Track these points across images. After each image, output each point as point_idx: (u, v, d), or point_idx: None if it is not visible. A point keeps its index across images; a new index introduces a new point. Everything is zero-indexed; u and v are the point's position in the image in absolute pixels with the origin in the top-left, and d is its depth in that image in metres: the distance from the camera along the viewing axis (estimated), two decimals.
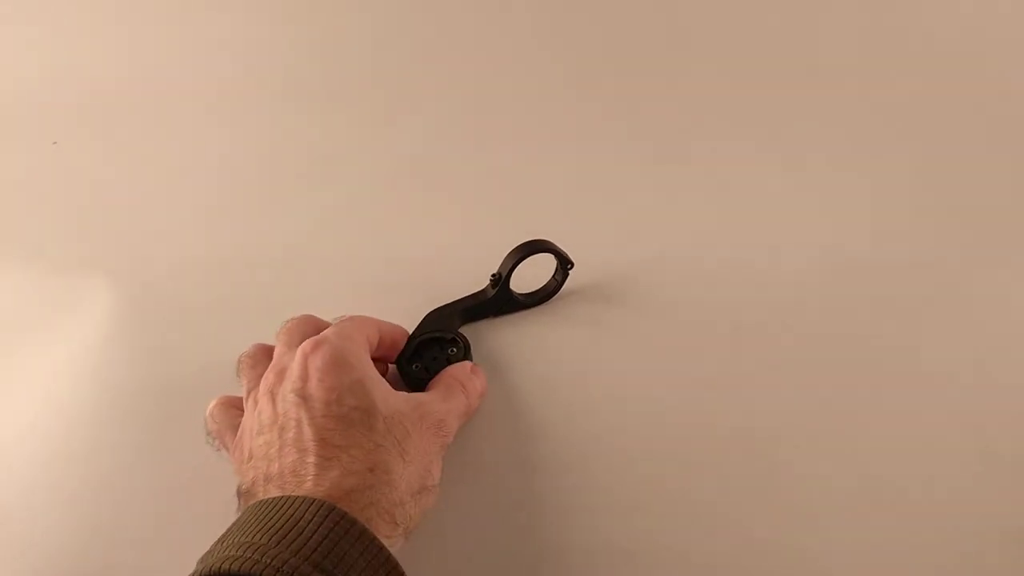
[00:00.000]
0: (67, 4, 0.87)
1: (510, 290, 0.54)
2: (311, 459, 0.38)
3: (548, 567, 0.42)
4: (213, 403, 0.47)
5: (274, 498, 0.35)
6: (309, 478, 0.37)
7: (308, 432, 0.39)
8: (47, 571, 0.42)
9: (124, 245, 0.66)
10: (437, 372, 0.49)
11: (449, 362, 0.50)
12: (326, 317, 0.50)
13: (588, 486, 0.45)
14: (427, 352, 0.51)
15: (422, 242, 0.65)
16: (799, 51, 0.82)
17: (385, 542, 0.34)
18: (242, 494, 0.39)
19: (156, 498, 0.46)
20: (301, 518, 0.33)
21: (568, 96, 0.81)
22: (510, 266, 0.53)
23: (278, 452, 0.39)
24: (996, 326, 0.55)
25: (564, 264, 0.55)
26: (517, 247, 0.53)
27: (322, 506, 0.34)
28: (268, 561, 0.31)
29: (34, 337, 0.58)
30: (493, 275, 0.54)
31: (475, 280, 0.56)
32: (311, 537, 0.32)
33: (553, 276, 0.56)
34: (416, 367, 0.50)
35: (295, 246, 0.65)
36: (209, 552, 0.34)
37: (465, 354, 0.51)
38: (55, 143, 0.79)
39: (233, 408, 0.46)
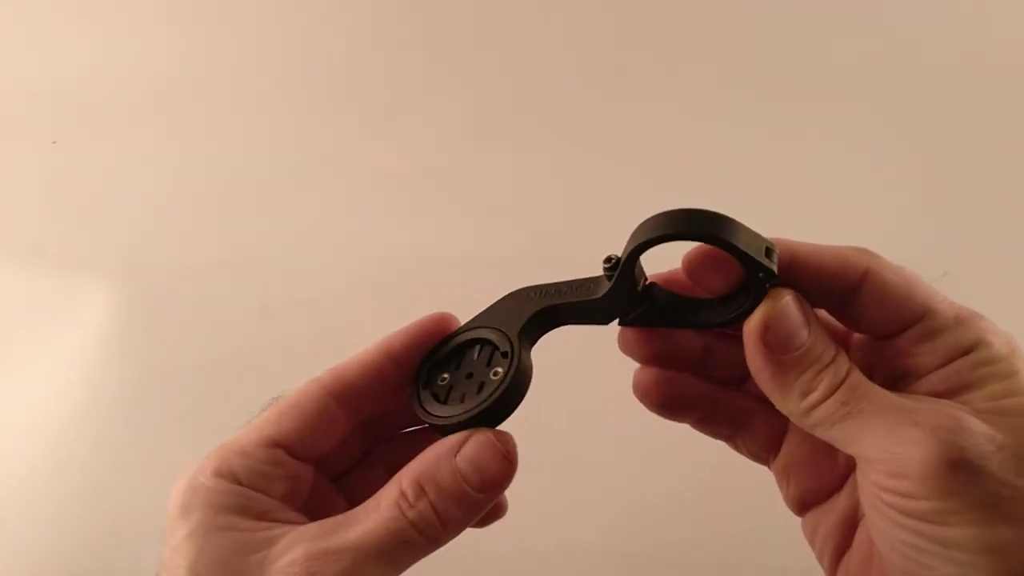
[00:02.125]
0: (68, 4, 0.87)
1: (648, 287, 0.30)
2: None
3: (548, 567, 0.42)
4: None
5: None
6: None
7: None
8: (46, 570, 0.42)
9: (124, 245, 0.66)
10: (468, 398, 0.28)
11: (481, 393, 0.28)
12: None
13: (588, 486, 0.45)
14: (466, 363, 0.30)
15: (422, 242, 0.65)
16: (800, 54, 0.82)
17: None
18: None
19: (155, 497, 0.46)
20: None
21: (569, 96, 0.81)
22: (636, 245, 0.27)
23: None
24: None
25: (754, 269, 0.27)
26: (668, 214, 0.27)
27: None
28: None
29: (33, 336, 0.58)
30: (608, 261, 0.29)
31: (477, 278, 0.56)
32: None
33: (743, 288, 0.28)
34: (443, 380, 0.30)
35: (295, 246, 0.65)
36: None
37: (506, 389, 0.28)
38: (55, 143, 0.79)
39: None
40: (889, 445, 0.24)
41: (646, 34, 0.84)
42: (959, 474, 0.23)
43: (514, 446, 0.28)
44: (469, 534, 0.29)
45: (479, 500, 0.27)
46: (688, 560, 0.44)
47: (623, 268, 0.28)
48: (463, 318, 0.32)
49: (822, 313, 0.28)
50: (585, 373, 0.53)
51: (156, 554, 0.42)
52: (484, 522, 0.31)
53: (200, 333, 0.57)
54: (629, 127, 0.77)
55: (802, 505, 0.31)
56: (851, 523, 0.29)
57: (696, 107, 0.78)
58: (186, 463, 0.48)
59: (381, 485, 0.29)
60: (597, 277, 0.29)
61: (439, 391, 0.30)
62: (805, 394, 0.26)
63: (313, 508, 0.30)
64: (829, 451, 0.29)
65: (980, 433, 0.23)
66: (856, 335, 0.30)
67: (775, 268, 0.26)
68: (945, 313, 0.27)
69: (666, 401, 0.31)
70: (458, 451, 0.27)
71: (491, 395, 0.28)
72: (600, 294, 0.29)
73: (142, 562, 0.43)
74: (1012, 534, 0.23)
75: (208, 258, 0.64)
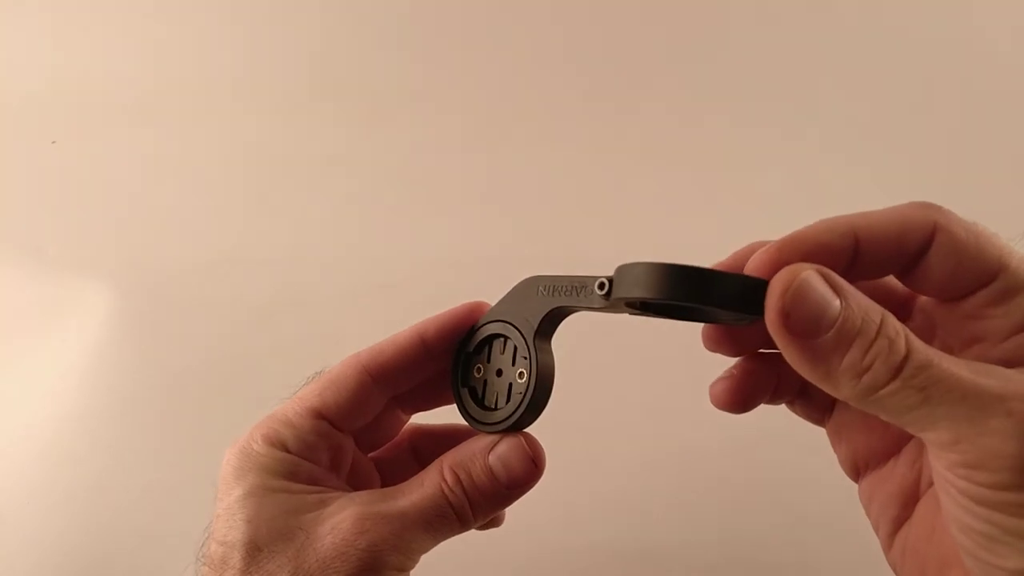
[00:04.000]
0: (67, 4, 0.87)
1: (646, 302, 0.29)
2: None
3: (547, 567, 0.42)
4: None
5: None
6: None
7: None
8: (45, 569, 0.42)
9: (124, 245, 0.66)
10: (500, 401, 0.31)
11: (511, 399, 0.31)
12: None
13: (587, 486, 0.45)
14: (494, 356, 0.33)
15: (422, 242, 0.65)
16: (799, 54, 0.82)
17: None
18: None
19: (154, 497, 0.46)
20: None
21: (568, 96, 0.81)
22: (624, 298, 0.28)
23: None
24: None
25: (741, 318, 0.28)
26: (660, 276, 0.26)
27: None
28: None
29: (33, 336, 0.58)
30: (601, 288, 0.29)
31: (477, 278, 0.56)
32: None
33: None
34: (478, 372, 0.33)
35: (295, 246, 0.65)
36: None
37: (531, 399, 0.31)
38: (55, 142, 0.79)
39: None
40: (975, 435, 0.22)
41: (647, 34, 0.84)
42: None
43: (541, 451, 0.31)
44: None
45: (506, 495, 0.30)
46: (686, 559, 0.44)
47: (613, 305, 0.29)
48: None
49: (884, 280, 0.26)
50: (584, 376, 0.53)
51: (152, 553, 0.42)
52: (482, 528, 0.33)
53: (200, 333, 0.57)
54: (630, 126, 0.77)
55: (856, 469, 0.30)
56: (912, 494, 0.28)
57: (696, 106, 0.78)
58: (185, 463, 0.48)
59: (407, 464, 0.35)
60: (597, 281, 0.30)
61: (476, 385, 0.33)
62: (859, 374, 0.23)
63: (352, 478, 0.33)
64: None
65: None
66: (921, 297, 0.27)
67: (759, 313, 0.24)
68: (1021, 273, 0.24)
69: (746, 405, 0.30)
70: (491, 449, 0.30)
71: (519, 406, 0.31)
72: (600, 306, 0.30)
73: (140, 560, 0.43)
74: None
75: (208, 258, 0.64)
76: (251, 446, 0.31)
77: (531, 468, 0.30)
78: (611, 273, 0.29)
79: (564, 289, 0.31)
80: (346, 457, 0.33)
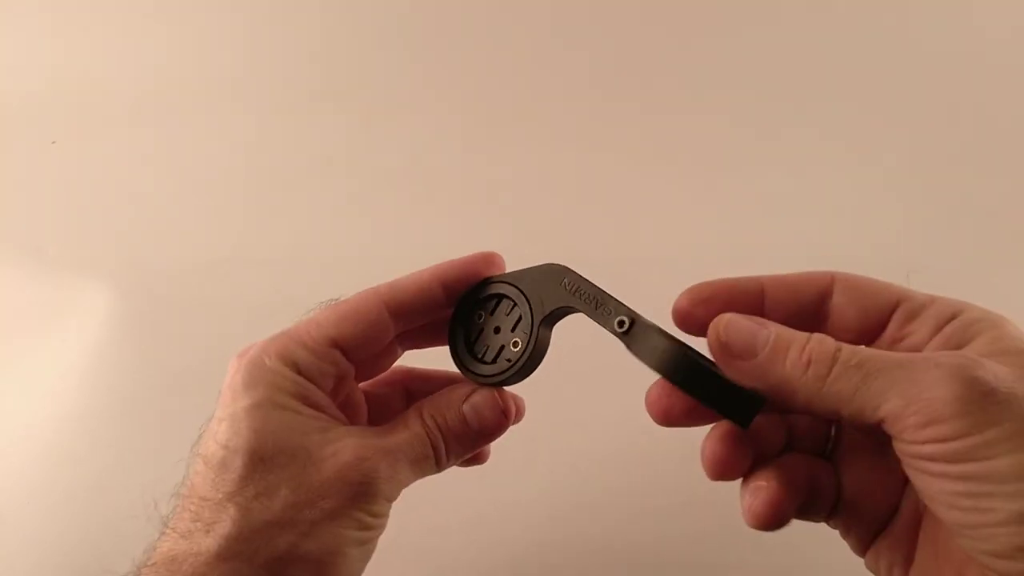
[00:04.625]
0: (67, 4, 0.87)
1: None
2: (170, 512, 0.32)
3: (546, 567, 0.42)
4: None
5: None
6: (155, 545, 0.32)
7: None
8: (45, 569, 0.42)
9: (124, 245, 0.67)
10: (489, 356, 0.34)
11: (499, 360, 0.34)
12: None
13: (588, 486, 0.45)
14: (499, 312, 0.35)
15: (422, 242, 0.65)
16: (800, 55, 0.82)
17: None
18: None
19: (154, 497, 0.46)
20: None
21: (568, 96, 0.81)
22: (649, 363, 0.30)
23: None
24: None
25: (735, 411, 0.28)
26: (676, 358, 0.29)
27: None
28: None
29: (33, 336, 0.58)
30: (621, 325, 0.31)
31: None
32: None
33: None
34: (479, 318, 0.35)
35: (295, 246, 0.65)
36: None
37: (518, 369, 0.33)
38: (55, 143, 0.79)
39: None
40: (919, 392, 0.24)
41: (647, 34, 0.84)
42: (992, 403, 0.23)
43: (510, 404, 0.34)
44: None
45: (476, 441, 0.34)
46: (684, 559, 0.44)
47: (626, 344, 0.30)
48: None
49: None
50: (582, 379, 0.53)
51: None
52: (468, 464, 0.36)
53: (200, 333, 0.57)
54: (630, 126, 0.77)
55: (867, 542, 0.30)
56: (912, 530, 0.29)
57: (696, 106, 0.78)
58: (185, 463, 0.47)
59: (393, 401, 0.37)
60: (618, 318, 0.31)
61: (472, 329, 0.35)
62: (804, 369, 0.26)
63: (344, 406, 0.35)
64: (879, 459, 0.29)
65: (998, 367, 0.24)
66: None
67: (738, 419, 0.28)
68: (919, 296, 0.29)
69: (788, 516, 0.30)
70: (466, 399, 0.33)
71: (504, 371, 0.33)
72: (610, 331, 0.31)
73: (139, 560, 0.43)
74: None
75: (208, 258, 0.64)
76: (263, 360, 0.32)
77: (500, 418, 0.33)
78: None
79: (585, 295, 0.32)
80: (347, 386, 0.35)
